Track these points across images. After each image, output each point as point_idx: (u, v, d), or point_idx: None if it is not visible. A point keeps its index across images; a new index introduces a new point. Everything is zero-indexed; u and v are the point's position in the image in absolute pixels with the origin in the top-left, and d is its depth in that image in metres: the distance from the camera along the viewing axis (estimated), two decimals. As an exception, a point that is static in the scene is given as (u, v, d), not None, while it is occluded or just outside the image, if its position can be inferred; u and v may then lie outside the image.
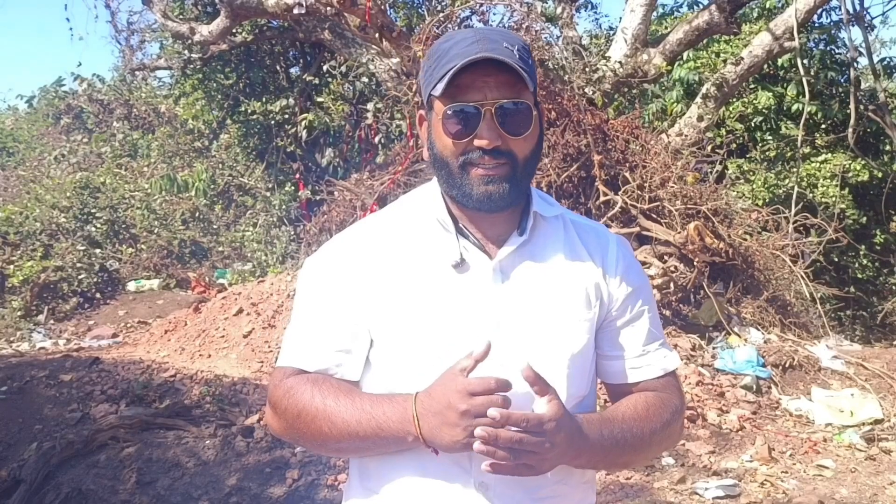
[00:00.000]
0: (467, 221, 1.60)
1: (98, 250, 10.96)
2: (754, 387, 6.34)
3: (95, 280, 10.46)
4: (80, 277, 10.30)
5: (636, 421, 1.57)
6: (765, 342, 7.14)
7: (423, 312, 1.53)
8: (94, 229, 11.27)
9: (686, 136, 9.75)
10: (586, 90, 8.96)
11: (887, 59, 14.17)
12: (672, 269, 7.34)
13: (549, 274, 1.59)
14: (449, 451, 1.41)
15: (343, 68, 10.78)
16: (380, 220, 1.69)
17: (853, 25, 10.93)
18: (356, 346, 1.58)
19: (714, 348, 6.95)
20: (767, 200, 12.00)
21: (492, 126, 1.48)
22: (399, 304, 1.55)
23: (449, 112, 1.50)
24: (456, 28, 9.23)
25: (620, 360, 1.66)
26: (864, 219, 13.06)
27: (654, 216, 7.77)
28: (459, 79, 1.48)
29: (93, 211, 11.50)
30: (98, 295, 10.32)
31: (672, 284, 7.20)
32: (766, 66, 11.82)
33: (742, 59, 9.94)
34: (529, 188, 1.63)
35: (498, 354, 1.49)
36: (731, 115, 13.53)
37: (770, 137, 13.50)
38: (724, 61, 12.29)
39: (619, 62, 9.80)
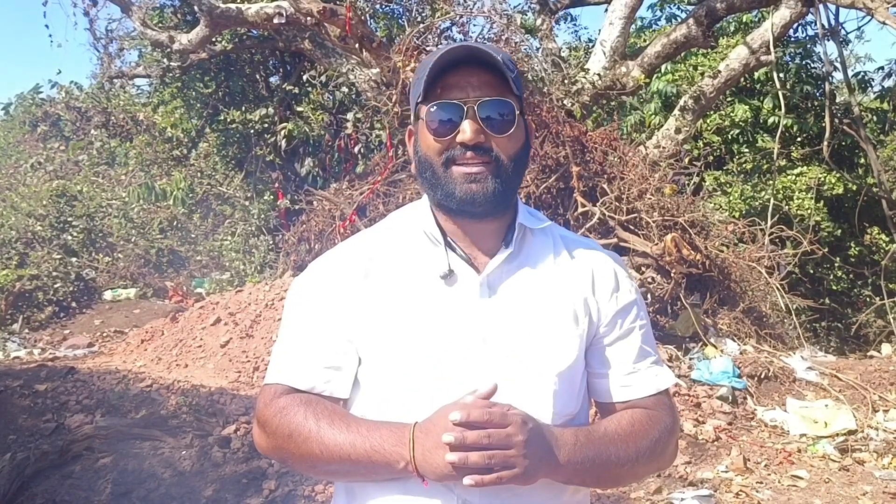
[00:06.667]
0: (455, 235, 1.60)
1: (74, 259, 10.88)
2: (730, 397, 6.39)
3: (71, 289, 10.38)
4: (55, 286, 10.22)
5: (619, 436, 1.55)
6: (741, 353, 7.19)
7: (409, 326, 1.53)
8: (70, 238, 11.19)
9: (664, 148, 9.83)
10: (565, 102, 9.02)
11: (862, 74, 14.36)
12: (649, 280, 7.40)
13: (537, 289, 1.59)
14: (438, 475, 1.40)
15: (323, 78, 10.76)
16: (368, 236, 1.68)
17: (828, 40, 11.08)
18: (345, 363, 1.57)
19: (690, 359, 6.99)
20: (744, 212, 12.12)
21: (474, 122, 1.50)
22: (386, 319, 1.54)
23: (433, 109, 1.52)
24: (436, 39, 9.27)
25: (610, 378, 1.64)
26: (839, 231, 13.22)
27: (632, 228, 7.82)
28: (443, 81, 1.51)
29: (69, 219, 11.42)
30: (74, 304, 10.24)
31: (649, 296, 7.25)
32: (742, 79, 11.96)
33: (719, 72, 10.04)
34: (517, 201, 1.64)
35: (484, 370, 1.50)
36: (709, 128, 13.68)
37: (746, 150, 13.66)
38: (702, 74, 12.41)
39: (598, 74, 9.87)
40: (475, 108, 1.50)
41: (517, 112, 1.54)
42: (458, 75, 1.51)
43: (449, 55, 1.50)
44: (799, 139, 13.72)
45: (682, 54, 12.32)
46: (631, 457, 1.55)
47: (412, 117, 1.63)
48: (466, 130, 1.50)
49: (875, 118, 14.42)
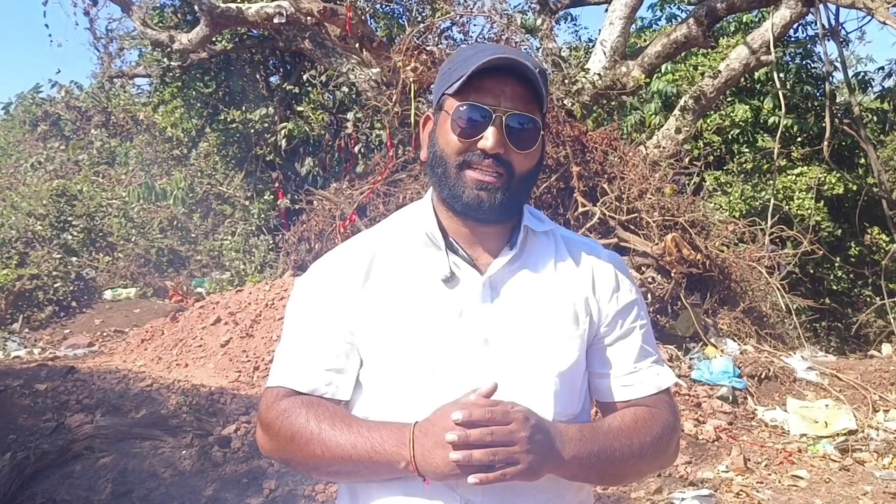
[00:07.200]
0: (458, 236, 1.60)
1: (74, 258, 10.86)
2: (730, 397, 6.39)
3: (71, 288, 10.35)
4: (55, 286, 10.19)
5: (623, 431, 1.55)
6: (741, 353, 7.19)
7: (411, 328, 1.53)
8: (70, 237, 11.17)
9: (664, 148, 9.83)
10: (565, 102, 9.02)
11: (862, 74, 14.36)
12: (650, 280, 7.39)
13: (539, 290, 1.59)
14: (438, 475, 1.39)
15: (323, 78, 10.76)
16: (369, 237, 1.68)
17: (828, 40, 11.08)
18: (348, 365, 1.57)
19: (691, 359, 6.99)
20: (744, 212, 12.12)
21: (499, 132, 1.50)
22: (387, 321, 1.54)
23: (462, 108, 1.52)
24: (436, 39, 9.28)
25: (611, 378, 1.64)
26: (839, 231, 13.22)
27: (632, 227, 7.82)
28: (478, 81, 1.50)
29: (69, 219, 11.40)
30: (74, 303, 10.21)
31: (649, 296, 7.24)
32: (743, 79, 11.95)
33: (719, 72, 10.04)
34: (522, 207, 1.64)
35: (485, 372, 1.49)
36: (709, 128, 13.67)
37: (747, 150, 13.66)
38: (702, 74, 12.41)
39: (598, 74, 9.86)
40: (503, 118, 1.50)
41: (540, 131, 1.55)
42: (493, 80, 1.51)
43: (492, 62, 1.48)
44: (799, 139, 13.72)
45: (682, 54, 12.32)
46: (635, 452, 1.55)
47: (433, 105, 1.63)
48: (489, 138, 1.50)
49: (875, 118, 14.42)
